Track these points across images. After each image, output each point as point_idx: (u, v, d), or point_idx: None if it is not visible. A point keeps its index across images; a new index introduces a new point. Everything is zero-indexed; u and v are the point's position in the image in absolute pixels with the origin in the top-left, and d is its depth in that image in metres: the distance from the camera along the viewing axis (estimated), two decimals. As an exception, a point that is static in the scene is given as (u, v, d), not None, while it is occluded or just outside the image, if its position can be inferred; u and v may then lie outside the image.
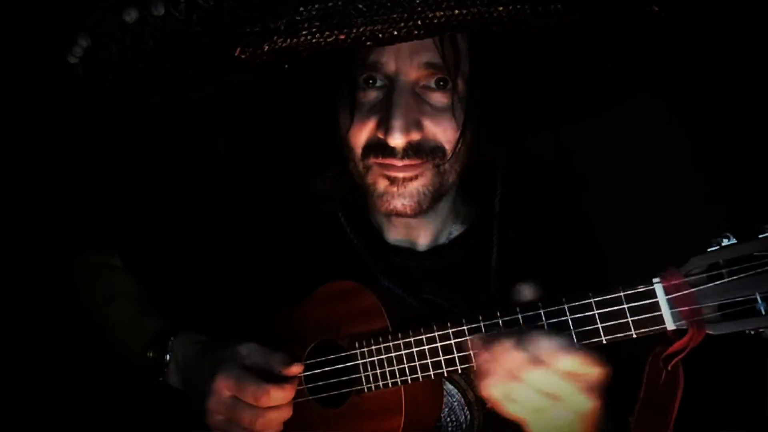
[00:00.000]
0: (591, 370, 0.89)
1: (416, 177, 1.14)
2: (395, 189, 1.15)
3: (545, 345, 0.89)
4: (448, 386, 1.23)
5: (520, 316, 0.97)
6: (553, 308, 0.94)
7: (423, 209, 1.17)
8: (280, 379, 1.12)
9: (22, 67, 1.50)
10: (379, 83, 1.13)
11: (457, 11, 0.91)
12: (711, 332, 0.84)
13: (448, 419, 1.25)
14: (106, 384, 1.58)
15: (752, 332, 0.81)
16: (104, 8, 0.98)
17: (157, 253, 1.39)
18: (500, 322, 0.98)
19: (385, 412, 1.10)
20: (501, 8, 0.91)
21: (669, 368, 0.88)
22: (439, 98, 1.13)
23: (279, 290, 1.25)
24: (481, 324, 1.00)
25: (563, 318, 0.93)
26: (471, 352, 1.00)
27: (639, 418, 0.92)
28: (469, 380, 1.24)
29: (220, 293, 1.34)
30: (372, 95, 1.14)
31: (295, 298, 1.22)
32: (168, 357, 1.24)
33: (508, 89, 1.14)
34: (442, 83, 1.12)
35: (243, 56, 0.95)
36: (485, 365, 0.93)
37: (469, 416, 1.25)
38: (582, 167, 1.55)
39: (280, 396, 1.11)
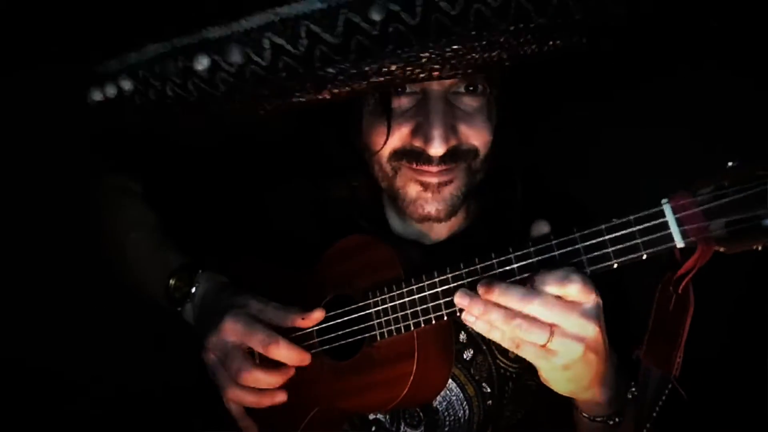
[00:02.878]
0: (584, 297, 0.91)
1: (451, 181, 1.15)
2: (429, 195, 1.15)
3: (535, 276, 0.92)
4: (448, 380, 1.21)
5: (532, 249, 0.97)
6: (564, 238, 0.95)
7: (455, 212, 1.18)
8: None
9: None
10: (409, 90, 1.13)
11: (494, 53, 0.91)
12: (720, 250, 0.85)
13: (446, 413, 1.24)
14: (106, 384, 1.57)
15: (759, 248, 0.82)
16: (163, 52, 0.92)
17: (181, 191, 1.38)
18: (513, 257, 0.98)
19: (398, 359, 1.08)
20: (534, 46, 0.93)
21: (680, 291, 0.90)
22: (469, 102, 1.14)
23: (293, 264, 1.24)
24: (495, 261, 0.99)
25: (575, 246, 0.94)
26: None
27: (649, 346, 0.94)
28: (469, 375, 1.24)
29: (234, 259, 1.31)
30: (403, 102, 1.14)
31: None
32: (194, 289, 1.24)
33: (533, 89, 1.18)
34: (471, 88, 1.14)
35: (327, 96, 0.94)
36: (486, 312, 0.94)
37: (468, 412, 1.24)
38: (590, 162, 1.56)
39: (288, 353, 1.10)
